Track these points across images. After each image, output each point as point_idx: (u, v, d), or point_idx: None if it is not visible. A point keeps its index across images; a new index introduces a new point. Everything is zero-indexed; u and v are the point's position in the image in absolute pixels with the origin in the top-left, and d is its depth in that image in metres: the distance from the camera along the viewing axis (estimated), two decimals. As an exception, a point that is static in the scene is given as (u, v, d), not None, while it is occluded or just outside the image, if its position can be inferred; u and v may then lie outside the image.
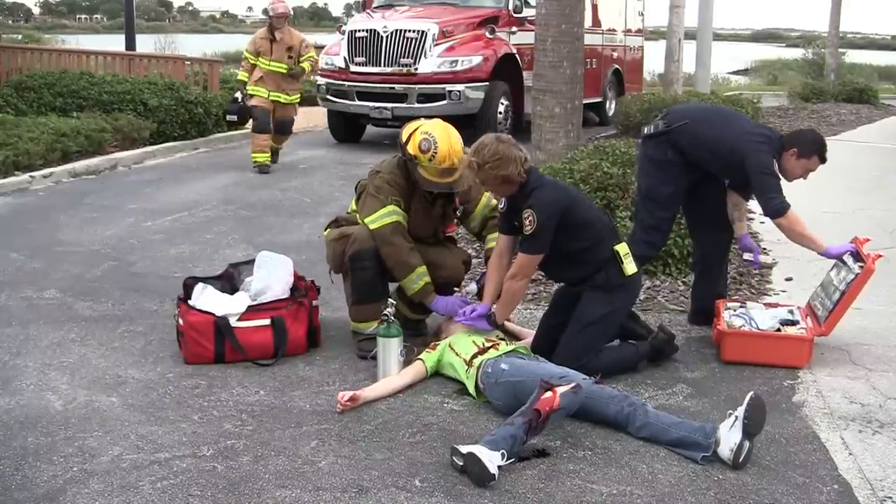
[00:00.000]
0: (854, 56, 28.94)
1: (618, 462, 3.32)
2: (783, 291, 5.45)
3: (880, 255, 4.35)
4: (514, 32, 11.55)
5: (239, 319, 4.22)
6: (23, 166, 8.70)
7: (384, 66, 11.02)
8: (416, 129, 4.26)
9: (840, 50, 22.42)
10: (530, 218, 3.85)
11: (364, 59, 11.14)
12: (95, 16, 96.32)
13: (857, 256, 4.38)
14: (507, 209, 4.07)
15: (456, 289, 4.63)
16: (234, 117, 9.97)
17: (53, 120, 9.90)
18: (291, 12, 10.15)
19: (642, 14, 15.83)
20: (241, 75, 9.76)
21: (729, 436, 3.28)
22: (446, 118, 4.64)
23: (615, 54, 14.49)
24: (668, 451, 3.39)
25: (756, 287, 5.56)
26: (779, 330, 4.39)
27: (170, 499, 3.01)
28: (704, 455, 3.30)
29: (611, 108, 14.22)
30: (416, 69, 10.85)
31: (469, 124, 10.10)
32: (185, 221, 7.25)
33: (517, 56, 11.42)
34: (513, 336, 4.40)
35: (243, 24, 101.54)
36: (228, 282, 4.61)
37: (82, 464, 3.23)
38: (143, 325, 4.75)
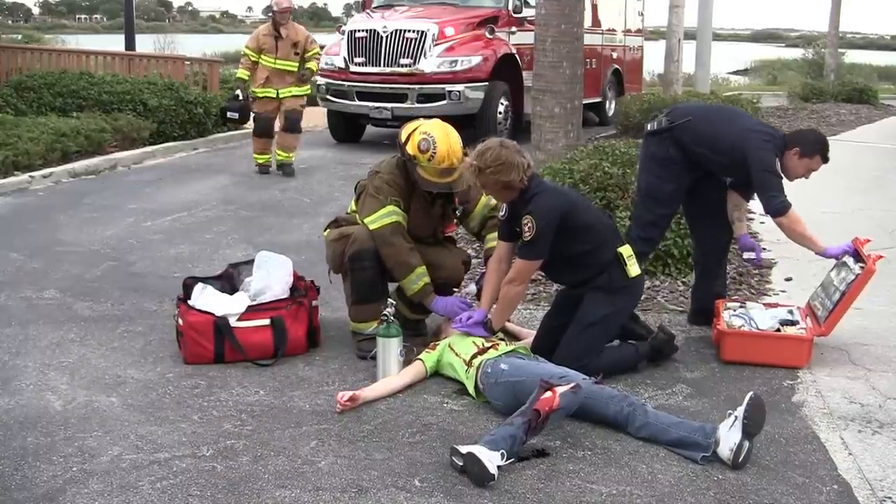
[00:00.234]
0: (854, 56, 28.95)
1: (617, 462, 3.32)
2: (783, 291, 5.45)
3: (881, 256, 4.35)
4: (513, 32, 11.55)
5: (238, 319, 4.22)
6: (22, 166, 8.70)
7: (384, 66, 11.02)
8: (415, 130, 4.27)
9: (840, 50, 22.42)
10: (529, 224, 3.85)
11: (364, 59, 11.14)
12: (95, 16, 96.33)
13: (858, 257, 4.38)
14: (507, 215, 4.06)
15: (455, 289, 4.63)
16: (236, 115, 9.43)
17: (53, 120, 9.89)
18: (296, 6, 9.95)
19: (642, 14, 15.83)
20: (241, 73, 9.35)
21: (728, 436, 3.28)
22: (446, 118, 4.64)
23: (615, 54, 14.49)
24: (668, 451, 3.39)
25: (756, 287, 5.56)
26: (778, 330, 4.39)
27: (169, 499, 3.01)
28: (704, 455, 3.30)
29: (610, 108, 14.22)
30: (415, 69, 10.86)
31: (469, 124, 10.11)
32: (184, 221, 7.25)
33: (517, 56, 11.42)
34: (513, 336, 4.40)
35: (243, 24, 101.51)
36: (228, 282, 4.61)
37: (82, 464, 3.23)
38: (142, 325, 4.75)
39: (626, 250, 4.09)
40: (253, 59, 9.16)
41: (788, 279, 5.67)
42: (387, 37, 11.00)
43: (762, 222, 6.88)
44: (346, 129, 12.03)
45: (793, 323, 4.44)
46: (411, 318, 4.53)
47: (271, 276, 4.43)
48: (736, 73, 34.02)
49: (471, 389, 3.84)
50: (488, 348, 3.92)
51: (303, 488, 3.09)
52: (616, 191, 6.13)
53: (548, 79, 8.36)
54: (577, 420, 3.56)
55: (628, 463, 3.31)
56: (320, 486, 3.10)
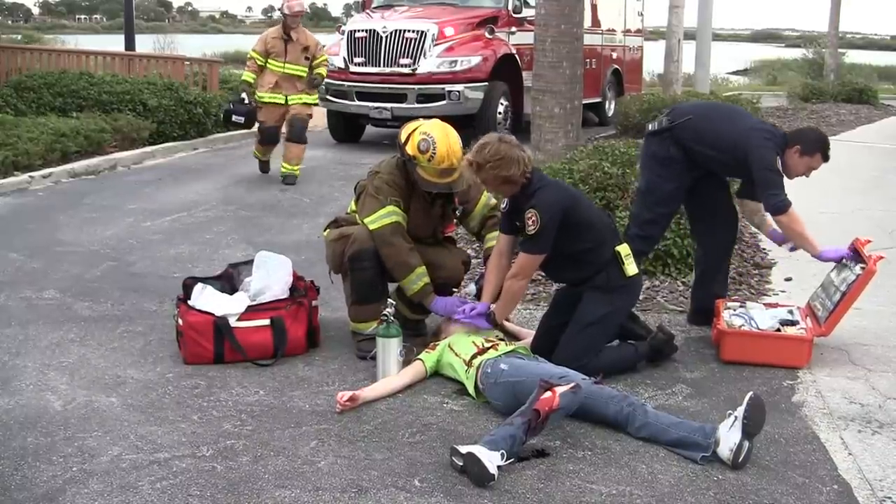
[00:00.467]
0: (853, 56, 28.92)
1: (617, 462, 3.32)
2: (783, 291, 5.45)
3: (882, 257, 4.35)
4: (513, 33, 11.55)
5: (238, 319, 4.22)
6: (22, 166, 8.69)
7: (383, 66, 11.03)
8: (414, 130, 4.26)
9: (840, 50, 22.42)
10: (533, 218, 3.85)
11: (363, 59, 11.15)
12: (95, 16, 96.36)
13: (859, 257, 4.38)
14: (508, 209, 4.07)
15: (455, 289, 4.63)
16: (241, 119, 8.93)
17: (53, 120, 9.89)
18: (308, 10, 9.88)
19: (641, 14, 15.84)
20: (247, 76, 8.92)
21: (728, 436, 3.28)
22: (445, 118, 4.64)
23: (614, 54, 14.50)
24: (668, 451, 3.39)
25: (756, 287, 5.56)
26: (778, 330, 4.39)
27: (169, 499, 3.01)
28: (704, 455, 3.30)
29: (610, 108, 14.23)
30: (415, 69, 10.86)
31: (468, 124, 10.10)
32: (184, 222, 7.25)
33: (516, 56, 11.42)
34: (512, 336, 4.40)
35: (243, 24, 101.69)
36: (228, 282, 4.61)
37: (82, 464, 3.23)
38: (142, 326, 4.75)
39: (623, 249, 4.09)
40: (259, 62, 8.80)
41: (788, 279, 5.67)
42: (386, 37, 11.00)
43: (762, 222, 6.89)
44: (346, 130, 12.03)
45: (793, 323, 4.44)
46: (411, 318, 4.53)
47: (271, 276, 4.43)
48: (736, 73, 34.02)
49: (471, 389, 3.84)
50: (488, 348, 3.92)
51: (303, 488, 3.09)
52: (616, 191, 6.13)
53: (547, 79, 8.37)
54: (576, 420, 3.56)
55: (628, 463, 3.31)
56: (320, 486, 3.10)
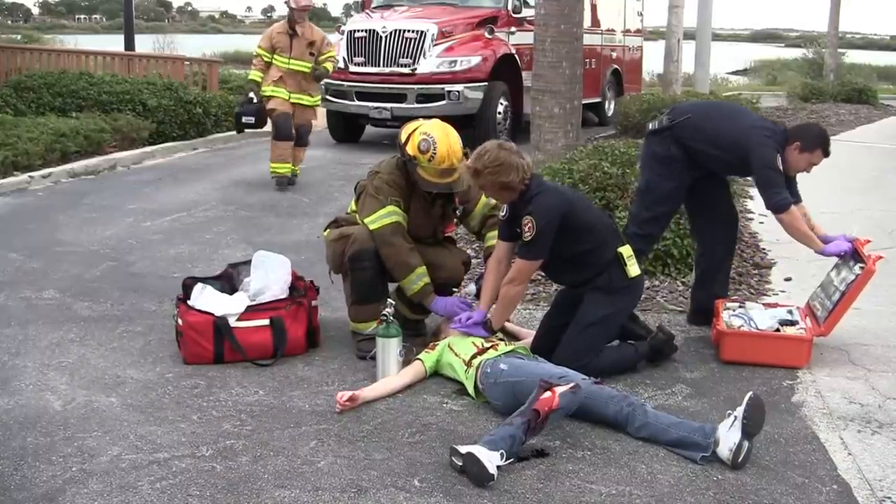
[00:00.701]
0: (853, 56, 28.90)
1: (617, 462, 3.32)
2: (782, 291, 5.45)
3: (881, 257, 4.35)
4: (513, 33, 11.55)
5: (238, 319, 4.22)
6: (22, 166, 8.69)
7: (383, 66, 11.02)
8: (414, 130, 4.27)
9: (839, 50, 22.41)
10: (529, 224, 3.85)
11: (363, 59, 11.15)
12: (94, 16, 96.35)
13: (858, 257, 4.38)
14: (508, 216, 4.07)
15: (455, 289, 4.63)
16: (252, 119, 8.60)
17: (52, 120, 9.89)
18: (315, 4, 9.43)
19: (641, 14, 15.84)
20: (254, 74, 8.62)
21: (728, 436, 3.28)
22: (445, 118, 4.64)
23: (614, 54, 14.50)
24: (668, 451, 3.39)
25: (755, 287, 5.56)
26: (778, 330, 4.39)
27: (169, 499, 3.01)
28: (704, 455, 3.30)
29: (610, 108, 14.23)
30: (415, 69, 10.86)
31: (468, 124, 10.11)
32: (184, 222, 7.25)
33: (516, 56, 11.42)
34: (512, 336, 4.40)
35: (242, 24, 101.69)
36: (228, 282, 4.61)
37: (81, 464, 3.23)
38: (142, 326, 4.75)
39: (626, 250, 4.09)
40: (266, 59, 8.51)
41: (788, 279, 5.67)
42: (386, 37, 11.00)
43: (761, 222, 6.89)
44: (346, 130, 12.02)
45: (792, 323, 4.44)
46: (411, 318, 4.53)
47: (269, 276, 4.43)
48: (735, 73, 34.00)
49: (470, 389, 3.84)
50: (488, 348, 3.92)
51: (302, 488, 3.09)
52: (615, 191, 6.13)
53: (547, 79, 8.36)
54: (576, 420, 3.56)
55: (628, 463, 3.31)
56: (320, 486, 3.10)
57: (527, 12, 11.15)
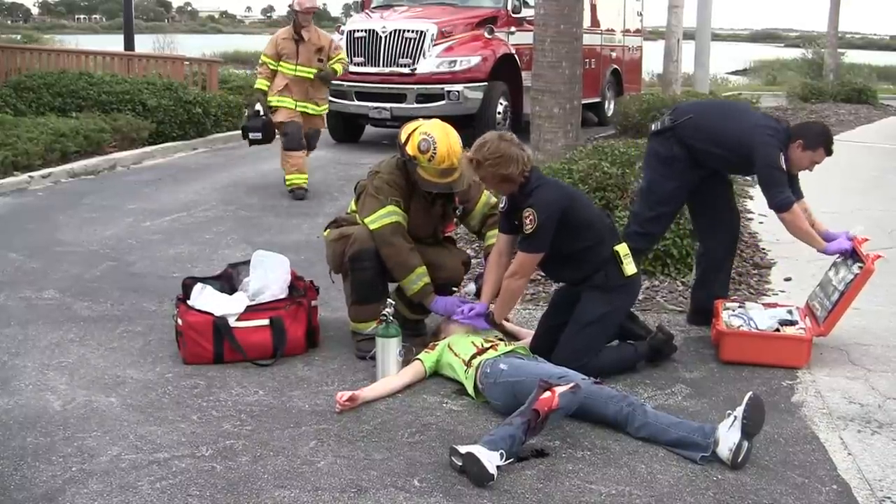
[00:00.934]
0: (853, 56, 28.89)
1: (617, 462, 3.32)
2: (782, 291, 5.45)
3: (879, 256, 4.35)
4: (512, 32, 11.55)
5: (238, 319, 4.22)
6: (21, 166, 8.69)
7: (383, 66, 11.03)
8: (414, 130, 4.26)
9: (839, 50, 22.41)
10: (531, 217, 3.85)
11: (363, 59, 11.15)
12: (94, 16, 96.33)
13: (857, 256, 4.38)
14: (507, 208, 4.07)
15: (455, 289, 4.63)
16: (259, 135, 8.15)
17: (52, 120, 9.89)
18: (321, 7, 9.16)
19: (641, 14, 15.83)
20: (260, 83, 8.19)
21: (728, 436, 3.28)
22: (445, 118, 4.64)
23: (614, 54, 14.50)
24: (667, 451, 3.39)
25: (755, 287, 5.56)
26: (777, 330, 4.39)
27: (168, 499, 3.01)
28: (703, 455, 3.30)
29: (609, 108, 14.23)
30: (414, 69, 10.86)
31: (468, 124, 10.09)
32: (183, 221, 7.25)
33: (516, 56, 11.42)
34: (511, 336, 4.40)
35: (242, 24, 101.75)
36: (227, 282, 4.61)
37: (81, 464, 3.23)
38: (141, 326, 4.75)
39: (622, 249, 4.09)
40: (272, 66, 8.10)
41: (788, 279, 5.67)
42: (386, 37, 11.00)
43: (761, 222, 6.90)
44: (346, 130, 12.02)
45: (792, 323, 4.44)
46: (411, 318, 4.53)
47: (269, 276, 4.43)
48: (735, 73, 34.01)
49: (470, 390, 3.84)
50: (487, 348, 3.92)
51: (302, 488, 3.09)
52: (615, 191, 6.13)
53: (547, 79, 8.36)
54: (576, 420, 3.56)
55: (627, 463, 3.31)
56: (319, 486, 3.10)
57: (526, 12, 11.16)
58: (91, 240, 6.59)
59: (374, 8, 12.33)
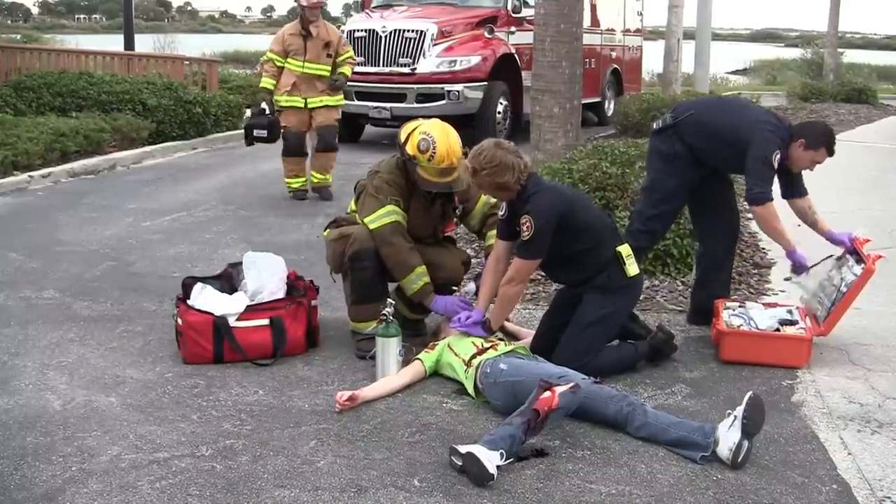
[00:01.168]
0: (853, 56, 28.90)
1: (616, 462, 3.32)
2: (782, 291, 5.45)
3: (880, 256, 4.35)
4: (512, 32, 11.55)
5: (238, 319, 4.22)
6: (21, 166, 8.69)
7: (383, 65, 11.03)
8: (414, 130, 4.26)
9: (839, 50, 22.41)
10: (527, 223, 3.85)
11: (363, 58, 11.13)
12: (94, 16, 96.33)
13: (858, 257, 4.38)
14: (506, 215, 4.07)
15: (455, 289, 4.63)
16: (264, 132, 7.88)
17: (52, 120, 9.89)
18: (326, 2, 8.77)
19: (641, 14, 15.83)
20: (266, 82, 7.87)
21: (728, 435, 3.28)
22: (445, 118, 4.64)
23: (614, 54, 14.49)
24: (667, 450, 3.39)
25: (755, 287, 5.56)
26: (778, 330, 4.39)
27: (168, 498, 3.01)
28: (703, 455, 3.30)
29: (609, 107, 14.23)
30: (414, 69, 10.86)
31: (468, 124, 10.12)
32: (183, 221, 7.25)
33: (516, 56, 11.42)
34: (512, 336, 4.40)
35: (242, 24, 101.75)
36: (227, 282, 4.60)
37: (81, 464, 3.23)
38: (141, 325, 4.74)
39: (624, 249, 4.09)
40: (279, 63, 7.82)
41: (788, 279, 5.66)
42: (386, 37, 11.00)
43: (761, 222, 6.88)
44: (345, 129, 11.97)
45: (792, 323, 4.44)
46: (410, 317, 4.53)
47: (263, 275, 4.42)
48: (735, 72, 34.01)
49: (470, 389, 3.84)
50: (487, 348, 3.92)
51: (302, 488, 3.09)
52: (615, 190, 6.13)
53: (547, 79, 8.36)
54: (576, 420, 3.56)
55: (627, 463, 3.31)
56: (319, 486, 3.10)
57: (526, 12, 11.15)
58: (91, 239, 6.59)
59: (374, 8, 12.34)
